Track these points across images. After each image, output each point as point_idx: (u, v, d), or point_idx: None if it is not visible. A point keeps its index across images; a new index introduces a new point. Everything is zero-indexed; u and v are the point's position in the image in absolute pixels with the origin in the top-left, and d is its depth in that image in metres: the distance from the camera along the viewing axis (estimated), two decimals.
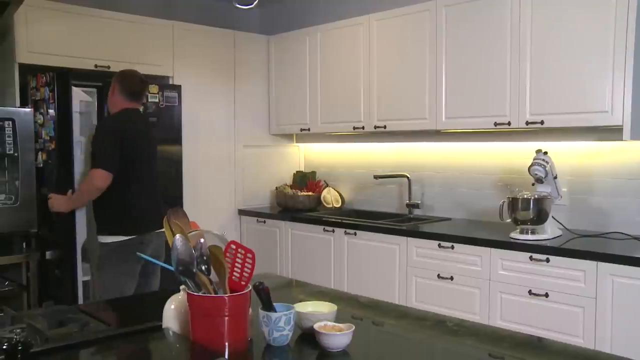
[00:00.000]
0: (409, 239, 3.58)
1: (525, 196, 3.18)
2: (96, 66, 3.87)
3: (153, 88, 3.98)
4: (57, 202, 3.29)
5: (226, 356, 1.44)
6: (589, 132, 3.38)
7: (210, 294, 1.49)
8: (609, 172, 3.36)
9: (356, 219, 4.16)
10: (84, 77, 3.79)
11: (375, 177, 4.28)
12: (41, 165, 3.56)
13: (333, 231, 4.05)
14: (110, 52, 3.93)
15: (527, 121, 3.31)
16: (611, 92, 2.99)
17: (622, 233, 3.21)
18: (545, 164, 3.17)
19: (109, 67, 3.89)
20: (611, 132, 3.19)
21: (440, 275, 3.40)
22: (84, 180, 3.23)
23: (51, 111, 3.52)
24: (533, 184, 3.26)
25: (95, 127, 3.74)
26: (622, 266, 2.73)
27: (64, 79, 3.53)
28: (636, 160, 3.26)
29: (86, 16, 3.85)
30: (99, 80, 3.80)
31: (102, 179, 3.05)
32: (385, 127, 4.05)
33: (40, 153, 3.56)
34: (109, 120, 3.32)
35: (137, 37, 4.08)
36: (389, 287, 3.67)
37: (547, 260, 2.97)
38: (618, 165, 3.32)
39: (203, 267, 1.49)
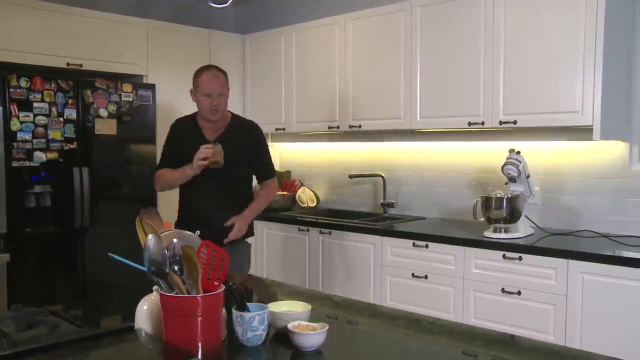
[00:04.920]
0: (384, 238, 3.60)
1: (499, 195, 3.21)
2: (68, 64, 3.81)
3: (127, 87, 3.94)
4: (243, 225, 2.97)
5: (199, 357, 1.43)
6: (561, 132, 3.43)
7: (183, 294, 1.48)
8: (579, 172, 3.41)
9: (331, 218, 4.16)
10: (58, 75, 3.73)
11: (350, 176, 4.28)
12: (38, 165, 3.55)
13: (308, 230, 4.05)
14: (83, 51, 3.87)
15: (500, 121, 3.34)
16: (582, 93, 3.04)
17: (592, 231, 3.27)
18: (518, 163, 3.21)
19: (81, 65, 3.84)
20: (582, 132, 3.24)
21: (415, 274, 3.42)
22: (269, 190, 3.18)
23: (72, 116, 3.68)
24: (506, 183, 3.30)
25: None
26: (591, 264, 2.78)
27: (86, 88, 3.75)
28: (606, 160, 3.32)
29: (57, 13, 3.78)
30: (71, 78, 3.74)
31: None
32: (360, 126, 4.06)
33: (44, 152, 3.56)
34: None
35: (110, 35, 4.03)
36: (364, 287, 3.67)
37: (520, 258, 3.01)
38: (588, 165, 3.38)
39: (176, 268, 1.48)
